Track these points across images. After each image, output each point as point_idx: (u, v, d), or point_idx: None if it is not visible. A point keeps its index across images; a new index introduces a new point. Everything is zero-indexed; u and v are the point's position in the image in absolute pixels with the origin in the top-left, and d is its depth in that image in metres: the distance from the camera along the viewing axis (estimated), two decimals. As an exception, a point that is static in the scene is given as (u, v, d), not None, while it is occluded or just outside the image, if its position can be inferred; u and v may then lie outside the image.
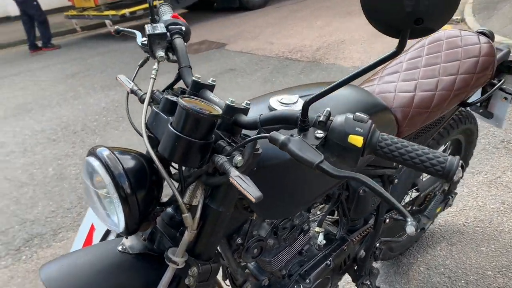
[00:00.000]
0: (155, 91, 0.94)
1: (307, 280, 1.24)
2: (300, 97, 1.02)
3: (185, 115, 0.74)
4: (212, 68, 5.28)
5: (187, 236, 0.79)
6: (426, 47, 1.49)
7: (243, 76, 4.88)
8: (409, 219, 0.63)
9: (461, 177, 0.70)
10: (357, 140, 0.68)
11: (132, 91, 0.99)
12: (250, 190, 0.67)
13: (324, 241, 1.33)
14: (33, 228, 2.61)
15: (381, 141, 0.68)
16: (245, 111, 0.81)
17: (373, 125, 0.69)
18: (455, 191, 1.93)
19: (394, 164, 1.34)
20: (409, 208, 1.71)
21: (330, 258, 1.31)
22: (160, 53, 0.95)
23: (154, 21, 1.00)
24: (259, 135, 0.74)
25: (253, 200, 0.66)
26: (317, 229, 1.34)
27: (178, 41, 0.99)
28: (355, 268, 1.49)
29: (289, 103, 0.97)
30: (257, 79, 4.71)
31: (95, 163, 0.78)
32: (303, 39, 6.04)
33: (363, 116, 0.70)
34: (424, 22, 0.57)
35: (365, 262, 1.47)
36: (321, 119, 0.71)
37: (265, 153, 0.83)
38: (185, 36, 1.04)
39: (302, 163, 0.68)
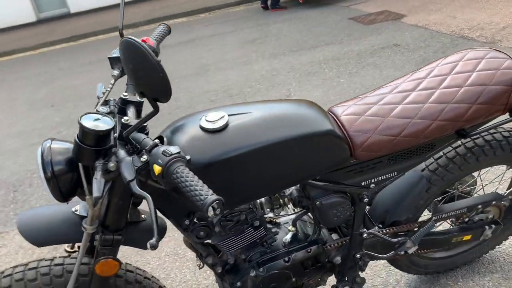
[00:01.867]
0: (111, 99, 1.24)
1: (261, 268, 1.43)
2: (229, 115, 1.21)
3: (80, 129, 1.04)
4: (377, 41, 5.18)
5: (90, 212, 1.12)
6: (437, 68, 1.40)
7: (403, 53, 4.69)
8: (153, 238, 0.83)
9: (218, 215, 0.84)
10: (157, 169, 0.89)
11: (98, 97, 1.30)
12: (93, 188, 0.95)
13: (289, 239, 1.47)
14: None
15: (176, 173, 0.87)
16: (126, 126, 1.06)
17: (176, 158, 0.88)
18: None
19: (364, 183, 1.38)
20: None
21: (291, 255, 1.45)
22: (115, 72, 1.24)
23: None
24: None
25: (89, 197, 0.95)
26: (290, 227, 1.50)
27: None
28: (338, 271, 1.58)
29: (213, 120, 1.18)
30: (416, 59, 4.48)
31: (38, 151, 1.15)
32: (493, 15, 5.32)
33: (171, 149, 0.89)
34: (147, 95, 0.75)
35: (344, 269, 1.55)
36: (147, 147, 0.94)
37: (201, 152, 1.09)
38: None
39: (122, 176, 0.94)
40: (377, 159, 1.33)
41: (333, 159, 1.27)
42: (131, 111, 1.14)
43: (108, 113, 1.12)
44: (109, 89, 1.22)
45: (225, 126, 1.17)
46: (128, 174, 0.93)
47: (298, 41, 5.87)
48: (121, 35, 1.27)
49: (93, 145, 1.03)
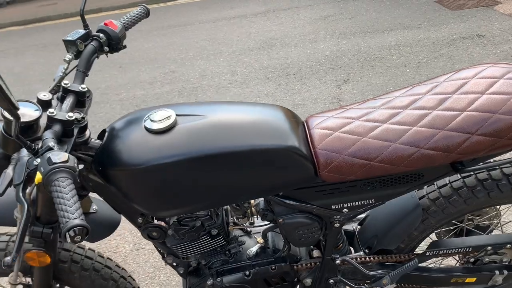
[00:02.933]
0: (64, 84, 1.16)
1: (219, 278, 1.34)
2: (178, 115, 1.10)
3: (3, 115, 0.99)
4: (459, 30, 4.67)
5: (19, 207, 1.09)
6: (443, 83, 1.17)
7: (484, 46, 4.19)
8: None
9: (77, 242, 0.74)
10: (37, 177, 0.83)
11: (54, 80, 1.24)
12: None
13: (254, 252, 1.36)
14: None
15: (54, 185, 0.80)
16: (50, 119, 0.99)
17: (58, 169, 0.81)
18: None
19: (335, 206, 1.21)
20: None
21: (252, 270, 1.34)
22: (68, 56, 1.18)
23: (86, 26, 1.21)
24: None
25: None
26: (259, 239, 1.38)
27: (89, 47, 1.18)
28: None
29: (158, 119, 1.08)
30: (498, 54, 3.97)
31: None
32: None
33: (58, 157, 0.82)
34: None
35: (313, 291, 1.41)
36: (42, 149, 0.87)
37: (139, 153, 1.03)
38: (111, 42, 1.22)
39: None
40: (349, 183, 1.16)
41: (295, 177, 1.12)
42: (68, 101, 1.07)
43: (47, 101, 1.06)
44: (61, 74, 1.16)
45: (170, 128, 1.07)
46: (17, 176, 0.87)
47: (373, 21, 5.48)
48: (84, 21, 1.20)
49: (17, 137, 0.99)
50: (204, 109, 1.13)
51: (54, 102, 1.09)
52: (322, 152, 1.11)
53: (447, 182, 1.31)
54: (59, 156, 0.82)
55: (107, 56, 1.27)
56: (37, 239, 1.14)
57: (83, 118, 1.07)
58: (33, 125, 0.99)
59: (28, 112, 1.00)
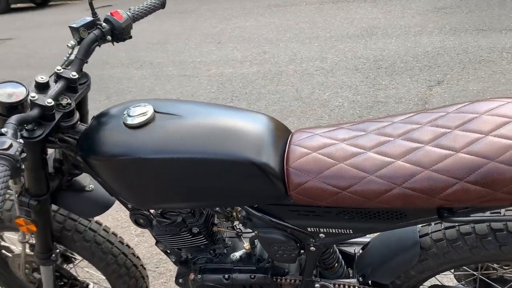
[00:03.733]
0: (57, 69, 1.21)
1: (200, 275, 1.35)
2: (156, 111, 1.11)
3: None
4: None
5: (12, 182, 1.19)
6: (450, 114, 1.01)
7: None
8: None
9: None
10: None
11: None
12: None
13: (238, 257, 1.34)
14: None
15: None
16: (32, 104, 1.04)
17: None
18: None
19: (310, 229, 1.13)
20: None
21: (231, 274, 1.32)
22: (71, 42, 1.22)
23: (93, 14, 1.25)
24: None
25: None
26: (245, 244, 1.35)
27: (90, 35, 1.22)
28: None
29: (134, 114, 1.10)
30: None
31: None
32: None
33: None
34: None
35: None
36: None
37: (113, 145, 1.07)
38: (115, 32, 1.24)
39: None
40: (324, 208, 1.07)
41: (264, 193, 1.07)
42: (56, 87, 1.12)
43: (43, 84, 1.13)
44: (65, 58, 1.22)
45: (143, 124, 1.09)
46: None
47: (493, 18, 4.89)
48: (92, 9, 1.24)
49: (3, 114, 1.07)
50: (185, 109, 1.12)
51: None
52: (294, 172, 1.03)
53: (455, 224, 1.14)
54: (0, 142, 0.87)
55: (113, 45, 1.30)
56: (24, 208, 1.24)
57: (68, 104, 1.13)
58: (17, 106, 1.06)
59: (16, 93, 1.07)
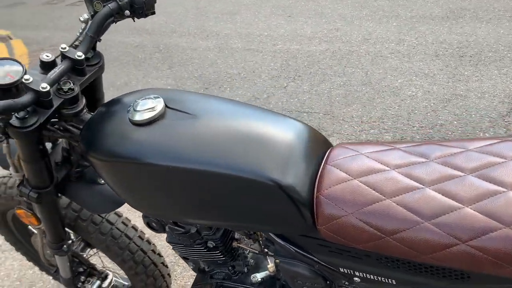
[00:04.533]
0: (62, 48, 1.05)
1: None
2: (168, 107, 0.92)
3: None
4: None
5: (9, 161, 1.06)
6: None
7: None
8: None
9: None
10: None
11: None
12: None
13: (259, 279, 1.15)
14: (317, 121, 3.00)
15: None
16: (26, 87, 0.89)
17: None
18: None
19: (343, 270, 0.91)
20: None
21: (251, 299, 1.14)
22: (84, 16, 1.05)
23: None
24: None
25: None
26: (270, 266, 1.16)
27: (105, 9, 1.03)
28: None
29: (140, 109, 0.92)
30: None
31: None
32: None
33: None
34: None
35: None
36: None
37: (113, 141, 0.92)
38: (135, 6, 1.04)
39: None
40: (362, 250, 0.84)
41: (287, 221, 0.86)
42: (58, 69, 0.96)
43: (49, 63, 0.98)
44: (78, 34, 1.06)
45: (150, 121, 0.90)
46: None
47: None
48: None
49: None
50: (201, 107, 0.92)
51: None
52: (325, 201, 0.81)
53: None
54: None
55: (133, 21, 1.12)
56: (23, 199, 1.12)
57: (70, 89, 0.97)
58: (10, 88, 0.92)
59: (10, 73, 0.93)
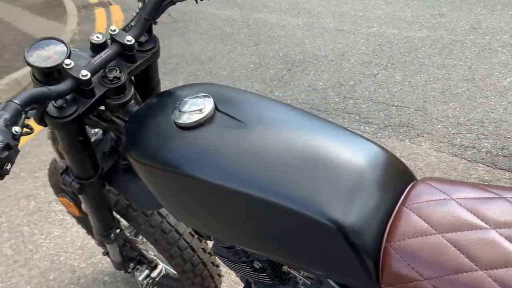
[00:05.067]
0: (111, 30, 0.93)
1: None
2: (217, 109, 0.79)
3: None
4: None
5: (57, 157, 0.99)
6: None
7: None
8: None
9: None
10: None
11: None
12: None
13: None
14: (405, 118, 2.72)
15: None
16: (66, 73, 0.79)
17: None
18: None
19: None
20: None
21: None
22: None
23: None
24: None
25: None
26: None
27: None
28: None
29: (186, 110, 0.79)
30: None
31: None
32: None
33: None
34: None
35: None
36: None
37: (152, 144, 0.82)
38: None
39: None
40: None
41: (345, 270, 0.69)
42: (105, 53, 0.86)
43: (99, 45, 0.88)
44: (134, 15, 0.94)
45: (196, 125, 0.77)
46: None
47: None
48: None
49: (38, 80, 0.85)
50: (255, 113, 0.76)
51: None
52: (395, 257, 0.62)
53: None
54: None
55: (196, 2, 0.97)
56: (66, 187, 1.06)
57: (116, 77, 0.86)
58: (52, 72, 0.83)
59: (54, 56, 0.84)
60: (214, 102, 0.80)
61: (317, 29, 4.28)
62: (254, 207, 0.70)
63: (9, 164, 0.66)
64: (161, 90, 1.03)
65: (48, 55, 0.83)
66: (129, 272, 1.53)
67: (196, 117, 0.77)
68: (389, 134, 2.65)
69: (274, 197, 0.67)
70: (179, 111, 0.79)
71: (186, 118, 0.77)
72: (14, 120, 0.68)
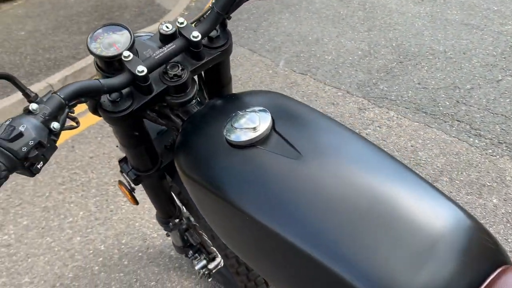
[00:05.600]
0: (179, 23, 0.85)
1: None
2: (274, 129, 0.68)
3: None
4: None
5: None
6: None
7: None
8: None
9: None
10: None
11: None
12: None
13: None
14: None
15: None
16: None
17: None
18: None
19: None
20: None
21: None
22: None
23: None
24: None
25: None
26: None
27: None
28: None
29: (241, 126, 0.70)
30: None
31: None
32: None
33: (9, 130, 0.60)
34: None
35: None
36: None
37: (202, 168, 0.75)
38: None
39: None
40: None
41: None
42: (169, 47, 0.78)
43: (168, 35, 0.81)
44: (209, 6, 0.85)
45: (247, 145, 0.67)
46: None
47: None
48: None
49: (100, 67, 0.81)
50: (318, 143, 0.64)
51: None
52: None
53: None
54: (8, 126, 0.60)
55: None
56: (124, 175, 1.03)
57: (177, 76, 0.78)
58: (112, 62, 0.78)
59: (118, 44, 0.79)
60: (272, 119, 0.69)
61: (440, 21, 3.88)
62: (296, 260, 0.59)
63: (41, 162, 0.62)
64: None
65: (111, 43, 0.78)
66: (189, 258, 1.51)
67: (249, 135, 0.67)
68: (502, 153, 2.32)
69: (319, 256, 0.55)
70: (232, 125, 0.69)
71: (237, 135, 0.68)
72: (54, 114, 0.64)
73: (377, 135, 2.55)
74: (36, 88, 3.29)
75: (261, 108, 0.71)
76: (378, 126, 2.64)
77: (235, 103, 0.77)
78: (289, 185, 0.60)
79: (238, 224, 0.67)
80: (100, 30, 0.79)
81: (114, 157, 2.60)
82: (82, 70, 3.53)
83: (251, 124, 0.67)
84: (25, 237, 2.13)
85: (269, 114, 0.69)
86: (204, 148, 0.72)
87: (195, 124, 0.79)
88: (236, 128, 0.69)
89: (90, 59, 3.61)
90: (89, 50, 0.78)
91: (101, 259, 1.98)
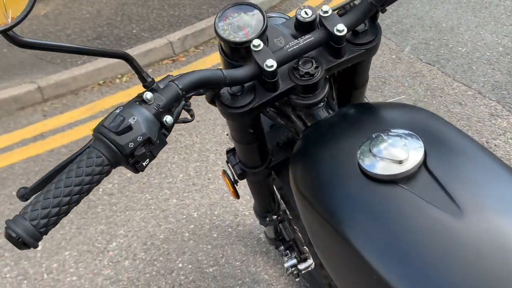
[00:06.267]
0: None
1: None
2: (425, 165, 0.54)
3: None
4: None
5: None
6: None
7: None
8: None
9: None
10: None
11: None
12: None
13: None
14: None
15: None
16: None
17: (98, 134, 0.54)
18: None
19: None
20: None
21: None
22: None
23: None
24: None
25: None
26: None
27: None
28: None
29: (382, 155, 0.56)
30: None
31: None
32: None
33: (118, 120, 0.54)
34: None
35: None
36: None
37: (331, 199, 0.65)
38: None
39: None
40: None
41: None
42: (301, 41, 0.66)
43: (305, 24, 0.70)
44: None
45: (390, 180, 0.54)
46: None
47: None
48: None
49: (224, 52, 0.72)
50: (478, 201, 0.49)
51: None
52: None
53: None
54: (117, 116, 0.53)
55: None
56: (230, 169, 0.95)
57: (309, 74, 0.66)
58: (238, 49, 0.69)
59: (248, 27, 0.69)
60: (425, 152, 0.54)
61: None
62: None
63: (147, 160, 0.55)
64: (369, 79, 0.80)
65: (240, 26, 0.68)
66: (280, 251, 1.44)
67: (391, 169, 0.53)
68: None
69: None
70: (370, 150, 0.56)
71: (375, 165, 0.54)
72: (169, 107, 0.56)
73: (508, 149, 2.23)
74: (157, 43, 3.38)
75: (409, 132, 0.57)
76: (511, 138, 2.30)
77: (374, 118, 0.64)
78: (438, 251, 0.47)
79: (353, 268, 0.56)
80: (230, 10, 0.70)
81: (219, 124, 2.58)
82: (202, 31, 3.55)
83: (397, 155, 0.54)
84: (126, 189, 2.22)
85: (421, 143, 0.55)
86: (328, 167, 0.60)
87: (320, 133, 0.67)
88: (375, 155, 0.55)
89: (211, 21, 3.61)
90: (215, 31, 0.69)
91: (192, 226, 1.99)
